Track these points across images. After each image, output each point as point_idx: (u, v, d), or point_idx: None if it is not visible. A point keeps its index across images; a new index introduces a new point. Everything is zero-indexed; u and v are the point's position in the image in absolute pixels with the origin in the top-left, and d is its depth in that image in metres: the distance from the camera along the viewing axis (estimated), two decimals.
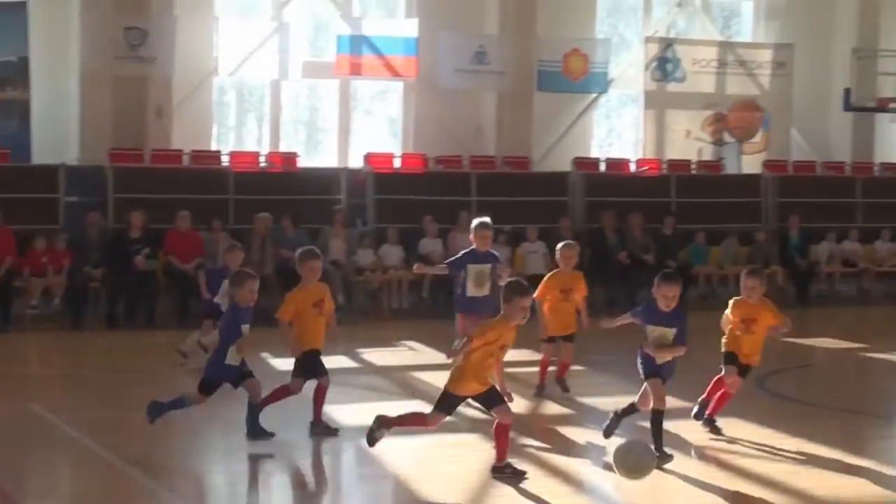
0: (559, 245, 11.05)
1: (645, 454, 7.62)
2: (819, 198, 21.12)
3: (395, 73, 19.98)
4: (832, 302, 19.91)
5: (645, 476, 7.56)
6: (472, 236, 10.66)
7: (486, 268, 10.47)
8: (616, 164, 21.20)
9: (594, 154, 21.65)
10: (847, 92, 21.79)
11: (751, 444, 9.00)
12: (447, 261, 11.05)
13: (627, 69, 21.90)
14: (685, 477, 7.98)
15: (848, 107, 21.92)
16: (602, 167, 21.01)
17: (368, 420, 8.10)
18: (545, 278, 10.85)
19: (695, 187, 20.85)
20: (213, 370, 8.79)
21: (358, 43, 19.62)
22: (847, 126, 22.49)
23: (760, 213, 21.10)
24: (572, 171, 20.39)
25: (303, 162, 19.30)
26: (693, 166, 21.45)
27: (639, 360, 8.43)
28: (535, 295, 9.53)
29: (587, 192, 20.15)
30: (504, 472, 7.85)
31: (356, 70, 19.81)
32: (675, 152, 21.55)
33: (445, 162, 19.87)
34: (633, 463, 7.56)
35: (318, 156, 20.68)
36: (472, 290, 10.48)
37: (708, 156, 21.84)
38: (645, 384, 8.37)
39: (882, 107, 22.03)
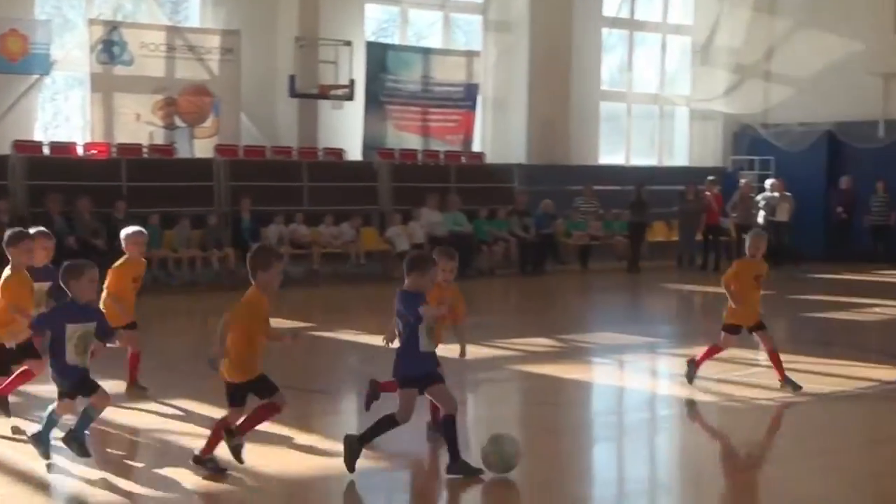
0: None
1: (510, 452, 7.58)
2: (269, 181, 21.69)
3: None
4: (283, 283, 20.47)
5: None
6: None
7: None
8: (62, 148, 20.47)
9: (38, 137, 20.81)
10: (292, 79, 22.49)
11: (201, 425, 9.01)
12: None
13: (72, 51, 21.19)
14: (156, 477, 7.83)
15: (293, 93, 22.61)
16: (46, 150, 20.22)
17: None
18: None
19: (147, 171, 20.64)
20: (58, 375, 7.61)
21: None
22: (293, 112, 23.18)
23: (213, 196, 21.29)
24: (12, 154, 19.53)
25: None
26: (144, 150, 21.18)
27: (406, 366, 7.60)
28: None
29: (30, 175, 19.42)
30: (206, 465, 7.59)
31: None
32: (125, 136, 21.16)
33: None
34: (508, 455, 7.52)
35: None
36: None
37: (160, 140, 21.65)
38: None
39: (324, 94, 22.94)
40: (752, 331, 10.67)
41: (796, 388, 10.51)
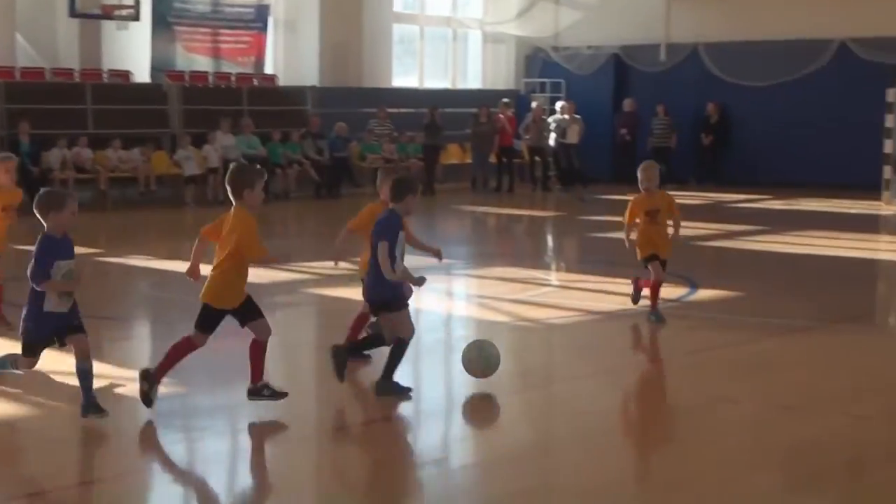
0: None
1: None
2: (49, 104, 20.84)
3: None
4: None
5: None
6: None
7: None
8: None
9: None
10: None
11: None
12: None
13: None
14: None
15: (73, 13, 21.75)
16: None
17: None
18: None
19: None
20: (32, 324, 6.75)
21: None
22: (74, 33, 22.31)
23: None
24: None
25: None
26: None
27: (381, 289, 7.81)
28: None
29: None
30: (262, 394, 7.36)
31: None
32: None
33: None
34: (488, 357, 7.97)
35: None
36: None
37: None
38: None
39: (107, 14, 22.16)
40: (647, 262, 10.23)
41: (660, 319, 10.30)
